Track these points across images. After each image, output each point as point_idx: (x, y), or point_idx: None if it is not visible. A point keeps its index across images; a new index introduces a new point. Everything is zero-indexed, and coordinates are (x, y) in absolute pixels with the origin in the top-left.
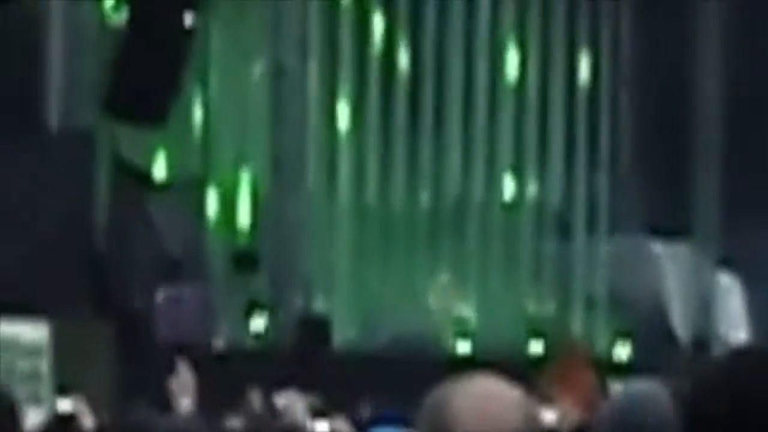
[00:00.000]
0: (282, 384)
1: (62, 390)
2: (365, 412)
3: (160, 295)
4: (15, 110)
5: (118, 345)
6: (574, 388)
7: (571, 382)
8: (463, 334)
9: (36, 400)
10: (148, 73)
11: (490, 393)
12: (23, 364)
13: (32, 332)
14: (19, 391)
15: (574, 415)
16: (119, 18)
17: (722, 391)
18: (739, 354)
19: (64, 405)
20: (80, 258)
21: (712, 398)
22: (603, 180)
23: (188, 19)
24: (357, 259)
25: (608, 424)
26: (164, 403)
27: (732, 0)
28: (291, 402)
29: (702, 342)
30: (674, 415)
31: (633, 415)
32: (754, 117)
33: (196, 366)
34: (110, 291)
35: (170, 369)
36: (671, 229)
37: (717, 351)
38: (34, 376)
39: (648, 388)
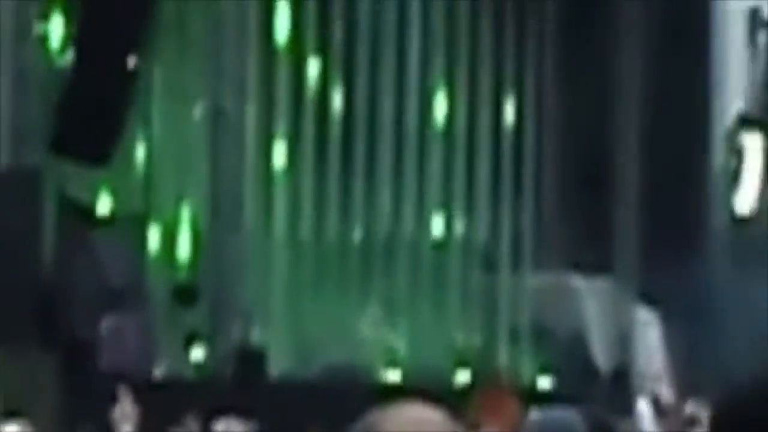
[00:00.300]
0: (220, 412)
1: (10, 415)
2: None
3: (103, 326)
4: None
5: (64, 373)
6: (499, 416)
7: (496, 410)
8: (393, 364)
9: None
10: (92, 114)
11: (417, 419)
12: None
13: None
14: None
15: None
16: (65, 60)
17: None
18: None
19: (12, 430)
20: (27, 289)
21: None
22: (527, 218)
23: (131, 61)
24: (292, 293)
25: None
26: (107, 430)
27: (648, 51)
28: (229, 429)
29: (621, 373)
30: None
31: None
32: (669, 160)
33: (138, 394)
34: (56, 321)
35: (113, 397)
36: (592, 265)
37: (635, 382)
38: None
39: (564, 415)
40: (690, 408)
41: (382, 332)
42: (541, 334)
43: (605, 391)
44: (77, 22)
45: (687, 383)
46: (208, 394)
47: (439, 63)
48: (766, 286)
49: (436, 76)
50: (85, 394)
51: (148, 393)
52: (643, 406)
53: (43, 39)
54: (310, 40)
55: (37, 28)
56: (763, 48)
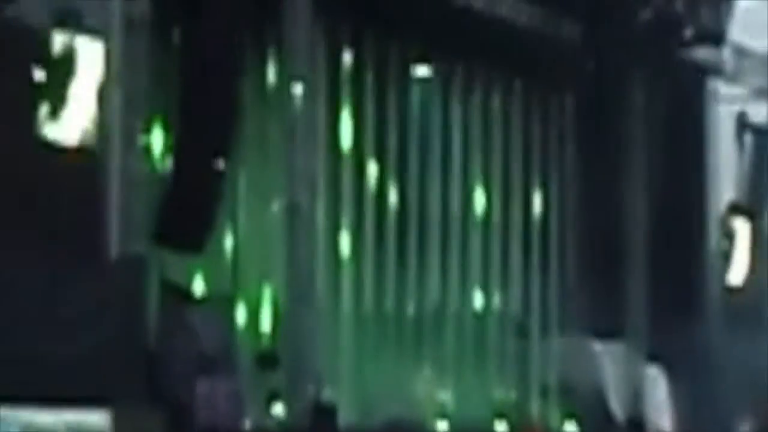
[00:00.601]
0: None
1: None
2: None
3: (199, 388)
4: (82, 242)
5: (168, 429)
6: None
7: None
8: (443, 416)
9: None
10: (188, 210)
11: None
12: None
13: (96, 419)
14: None
15: None
16: (164, 166)
17: None
18: None
19: None
20: (135, 359)
21: None
22: (553, 292)
23: (220, 165)
24: (357, 358)
25: None
26: None
27: (654, 149)
28: None
29: (634, 422)
30: None
31: None
32: (673, 241)
33: None
34: (160, 385)
35: None
36: (608, 331)
37: (648, 430)
38: None
39: None
40: None
41: (433, 390)
42: (566, 389)
43: None
44: (174, 134)
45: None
46: None
47: (477, 163)
48: (755, 345)
49: (475, 175)
50: None
51: None
52: None
53: (147, 148)
54: (369, 144)
55: (142, 139)
56: (749, 146)
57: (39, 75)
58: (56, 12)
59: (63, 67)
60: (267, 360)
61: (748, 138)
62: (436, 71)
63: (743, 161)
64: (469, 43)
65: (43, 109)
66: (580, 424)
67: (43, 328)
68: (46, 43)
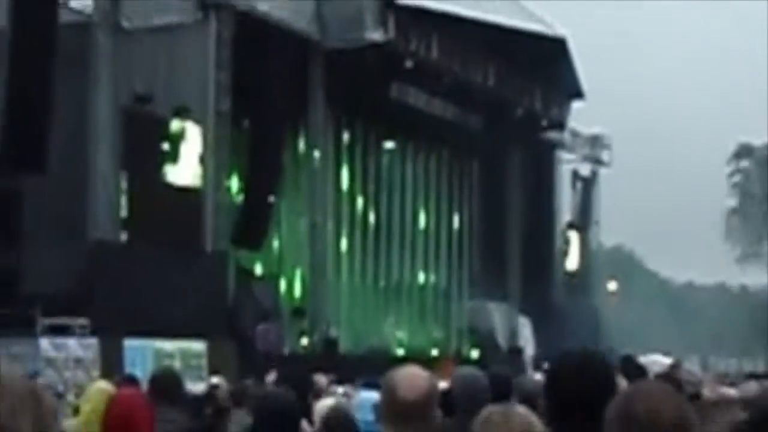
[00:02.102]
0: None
1: (213, 372)
2: None
3: (259, 329)
4: (190, 243)
5: (240, 352)
6: (449, 371)
7: (448, 368)
8: (400, 345)
9: (200, 378)
10: (252, 224)
11: (413, 372)
12: (195, 361)
13: (198, 346)
14: (190, 374)
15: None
16: (238, 199)
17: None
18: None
19: (214, 380)
20: (221, 311)
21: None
22: (465, 274)
23: (271, 198)
24: (351, 311)
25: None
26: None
27: (509, 189)
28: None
29: (514, 349)
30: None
31: (467, 388)
32: (532, 245)
33: (276, 362)
34: (235, 326)
35: (264, 366)
36: (497, 296)
37: (523, 355)
38: (198, 366)
39: (475, 371)
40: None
41: (395, 330)
42: (472, 331)
43: (506, 360)
44: (245, 180)
45: (544, 354)
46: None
47: (421, 198)
48: (583, 305)
49: (420, 204)
50: (251, 365)
51: (281, 361)
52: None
53: (228, 188)
54: (358, 187)
55: (225, 183)
56: (579, 189)
57: (164, 145)
58: (174, 108)
59: (178, 140)
60: (298, 312)
61: (579, 184)
62: (397, 145)
63: (575, 197)
64: (417, 128)
65: (167, 165)
66: (481, 351)
67: (170, 294)
68: (168, 125)
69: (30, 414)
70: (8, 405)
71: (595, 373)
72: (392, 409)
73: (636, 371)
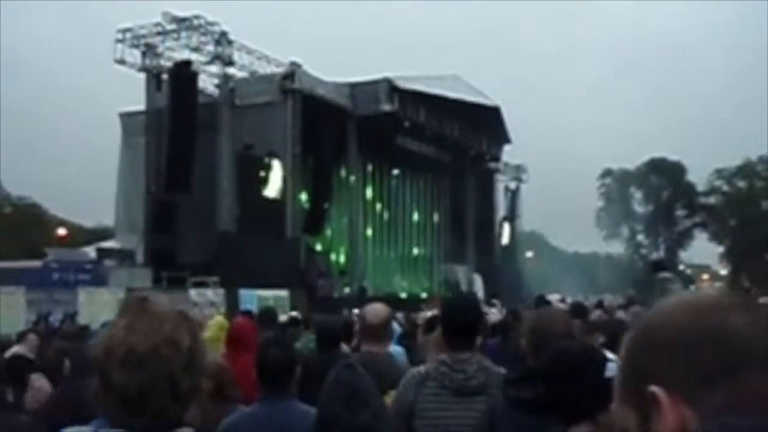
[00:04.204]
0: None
1: (293, 308)
2: None
3: (319, 282)
4: (277, 233)
5: (309, 294)
6: (435, 305)
7: (435, 304)
8: (402, 289)
9: (284, 313)
10: (314, 220)
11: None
12: (281, 302)
13: (283, 293)
14: (278, 310)
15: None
16: (307, 206)
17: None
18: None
19: (293, 313)
20: (297, 271)
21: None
22: (442, 249)
23: (325, 206)
24: (374, 270)
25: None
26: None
27: (475, 202)
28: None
29: (471, 292)
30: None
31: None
32: (484, 232)
33: (329, 303)
34: (305, 280)
35: (326, 307)
36: (461, 261)
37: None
38: (283, 305)
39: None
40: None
41: (400, 281)
42: (447, 283)
43: None
44: (310, 195)
45: (488, 297)
46: (349, 300)
47: (418, 207)
48: (514, 268)
49: (416, 210)
50: (315, 304)
51: (332, 302)
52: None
53: (299, 200)
54: (377, 199)
55: (299, 197)
56: (509, 196)
57: (261, 173)
58: (267, 151)
59: (269, 171)
60: (343, 272)
61: (509, 194)
62: (401, 173)
63: (507, 201)
64: (413, 162)
65: (262, 185)
66: (452, 294)
67: (266, 262)
68: (263, 162)
69: (185, 328)
70: (171, 323)
71: (467, 303)
72: (363, 329)
73: (544, 303)
